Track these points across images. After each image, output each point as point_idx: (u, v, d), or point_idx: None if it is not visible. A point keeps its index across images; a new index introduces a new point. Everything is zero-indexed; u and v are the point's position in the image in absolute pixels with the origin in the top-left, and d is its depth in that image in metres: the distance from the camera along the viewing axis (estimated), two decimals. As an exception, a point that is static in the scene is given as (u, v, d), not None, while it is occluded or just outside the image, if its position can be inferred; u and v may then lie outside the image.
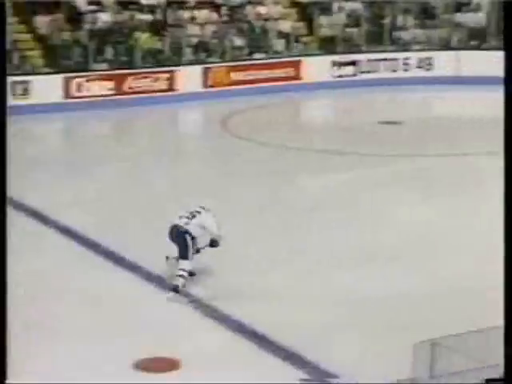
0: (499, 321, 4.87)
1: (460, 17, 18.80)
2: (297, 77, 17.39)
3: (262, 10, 18.31)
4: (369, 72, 17.92)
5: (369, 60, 17.98)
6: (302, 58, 17.56)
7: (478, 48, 18.28)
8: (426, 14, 18.94)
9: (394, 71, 18.01)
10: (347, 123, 14.86)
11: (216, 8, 17.86)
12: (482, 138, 13.07)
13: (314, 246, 7.97)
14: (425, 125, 14.33)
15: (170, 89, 16.22)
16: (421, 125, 14.37)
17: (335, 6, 18.74)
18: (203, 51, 17.13)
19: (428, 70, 18.04)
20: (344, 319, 6.38)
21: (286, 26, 18.18)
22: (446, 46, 18.50)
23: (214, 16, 17.80)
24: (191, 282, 6.98)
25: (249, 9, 18.20)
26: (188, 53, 16.90)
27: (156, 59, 16.53)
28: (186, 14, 17.50)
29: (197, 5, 17.66)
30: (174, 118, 15.99)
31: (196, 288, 6.94)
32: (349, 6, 18.87)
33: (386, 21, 18.57)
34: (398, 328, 6.08)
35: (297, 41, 18.10)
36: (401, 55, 18.10)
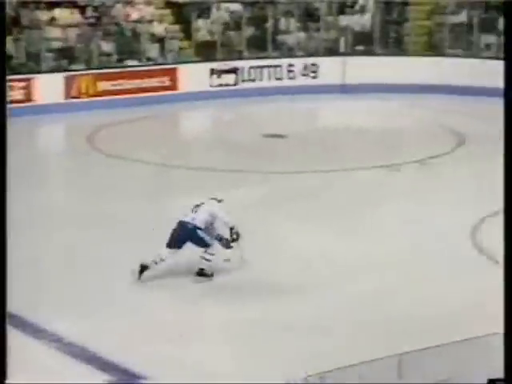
0: (398, 349, 5.06)
1: (344, 19, 19.54)
2: (173, 86, 17.40)
3: (132, 10, 18.24)
4: (251, 80, 18.25)
5: (251, 67, 18.30)
6: (178, 66, 17.61)
7: (364, 53, 19.06)
8: (309, 17, 19.53)
9: (279, 79, 18.43)
10: (229, 137, 15.02)
11: (80, 8, 17.63)
12: (372, 150, 13.58)
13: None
14: (311, 138, 14.72)
15: (27, 99, 15.81)
16: (307, 138, 14.74)
17: (214, 7, 18.98)
18: (65, 57, 16.83)
19: (313, 77, 18.60)
20: (227, 350, 6.42)
21: (159, 29, 18.21)
22: (331, 51, 19.14)
23: (78, 17, 17.56)
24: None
25: (118, 9, 18.08)
26: (48, 59, 16.57)
27: (9, 66, 16.07)
28: (45, 15, 17.17)
29: (57, 4, 17.36)
30: (32, 133, 15.55)
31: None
32: (228, 7, 19.14)
33: (269, 24, 19.00)
34: (285, 361, 6.19)
35: (172, 46, 18.17)
36: (285, 61, 18.56)
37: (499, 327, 5.41)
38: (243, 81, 18.19)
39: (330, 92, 17.98)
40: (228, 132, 15.73)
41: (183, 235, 7.76)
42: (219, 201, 7.98)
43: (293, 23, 19.35)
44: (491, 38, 18.75)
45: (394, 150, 13.77)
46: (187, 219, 7.78)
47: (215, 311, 7.27)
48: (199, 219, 7.77)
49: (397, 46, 19.58)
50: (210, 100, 17.24)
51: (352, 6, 19.74)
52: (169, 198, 10.84)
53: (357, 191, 10.94)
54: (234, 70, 18.13)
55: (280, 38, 19.14)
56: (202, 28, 18.72)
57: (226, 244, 7.87)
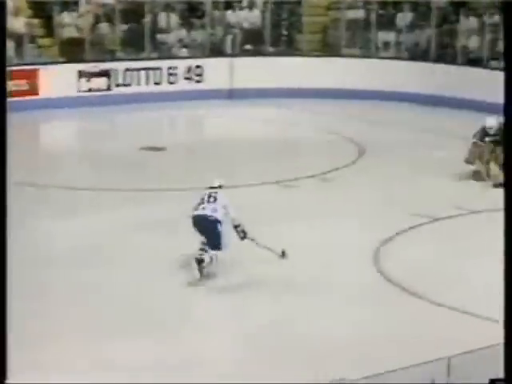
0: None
1: (232, 15, 19.82)
2: (32, 91, 17.18)
3: (-17, 3, 17.88)
4: (126, 85, 18.20)
5: (126, 70, 18.27)
6: (38, 67, 17.40)
7: (253, 54, 19.36)
8: (192, 12, 19.70)
9: (158, 84, 18.48)
10: (100, 150, 14.88)
11: None
12: (264, 164, 13.78)
13: (64, 310, 7.93)
14: (195, 150, 14.78)
15: None
16: (190, 150, 14.82)
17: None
18: None
19: (198, 81, 18.75)
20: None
21: (17, 24, 17.92)
22: (217, 51, 19.35)
23: None
24: None
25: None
26: None
27: None
28: None
29: None
30: None
31: None
32: None
33: (146, 19, 19.04)
34: None
35: (32, 43, 17.94)
36: (165, 63, 18.64)
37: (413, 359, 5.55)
38: (117, 85, 18.13)
39: (217, 98, 18.16)
40: (99, 145, 15.59)
41: (204, 227, 8.14)
42: (219, 186, 8.40)
43: (174, 19, 19.46)
44: (389, 36, 19.46)
45: (288, 163, 14.00)
46: (208, 212, 8.12)
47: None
48: (219, 213, 8.18)
49: (289, 45, 20.02)
50: (78, 107, 17.09)
51: (240, 1, 20.05)
52: (35, 220, 10.64)
53: (247, 211, 11.00)
54: (105, 73, 18.05)
55: (159, 36, 19.20)
56: (68, 23, 18.56)
57: (243, 234, 8.34)
